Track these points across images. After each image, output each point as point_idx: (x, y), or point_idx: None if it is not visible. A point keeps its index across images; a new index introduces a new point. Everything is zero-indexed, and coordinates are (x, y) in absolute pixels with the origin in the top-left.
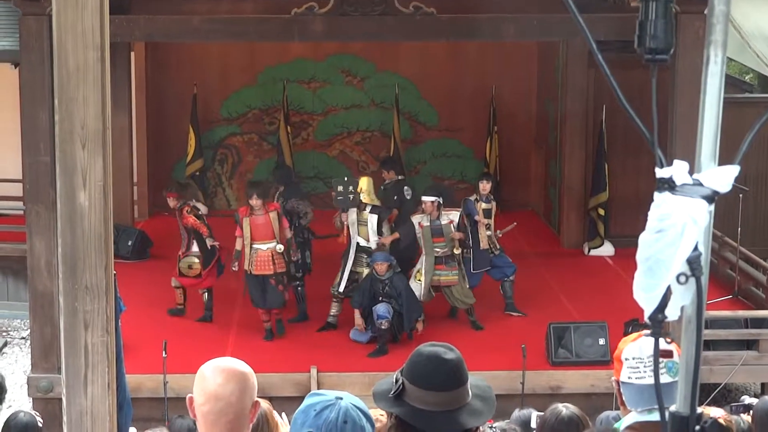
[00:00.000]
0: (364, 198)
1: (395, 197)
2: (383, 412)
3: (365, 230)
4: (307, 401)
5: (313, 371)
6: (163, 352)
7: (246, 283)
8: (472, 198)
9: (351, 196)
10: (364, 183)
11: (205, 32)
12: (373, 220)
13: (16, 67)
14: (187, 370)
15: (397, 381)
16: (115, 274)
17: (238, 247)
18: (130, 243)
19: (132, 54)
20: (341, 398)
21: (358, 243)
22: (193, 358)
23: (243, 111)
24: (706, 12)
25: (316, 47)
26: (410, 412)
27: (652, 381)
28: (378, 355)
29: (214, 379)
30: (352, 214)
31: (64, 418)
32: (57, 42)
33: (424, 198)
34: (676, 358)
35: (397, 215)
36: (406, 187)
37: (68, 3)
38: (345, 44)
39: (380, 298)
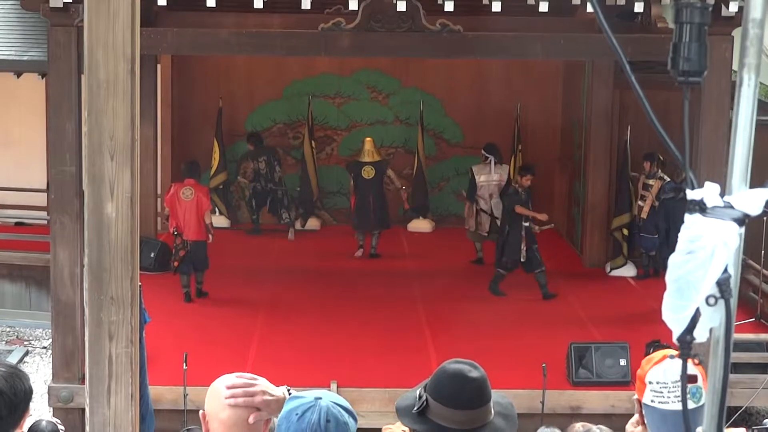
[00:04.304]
0: (367, 156)
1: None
2: (405, 428)
3: None
4: (287, 406)
5: (333, 386)
6: (184, 364)
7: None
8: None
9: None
10: (369, 144)
11: (232, 46)
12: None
13: (43, 78)
14: (208, 382)
15: (420, 397)
16: (140, 286)
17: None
18: (152, 255)
19: (158, 67)
20: (320, 398)
21: None
22: (213, 371)
23: (268, 125)
24: (733, 34)
25: (342, 62)
26: (434, 429)
27: (675, 407)
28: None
29: (228, 392)
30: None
31: (87, 428)
32: (88, 53)
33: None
34: (700, 382)
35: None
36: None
37: (100, 15)
38: (371, 60)
39: None
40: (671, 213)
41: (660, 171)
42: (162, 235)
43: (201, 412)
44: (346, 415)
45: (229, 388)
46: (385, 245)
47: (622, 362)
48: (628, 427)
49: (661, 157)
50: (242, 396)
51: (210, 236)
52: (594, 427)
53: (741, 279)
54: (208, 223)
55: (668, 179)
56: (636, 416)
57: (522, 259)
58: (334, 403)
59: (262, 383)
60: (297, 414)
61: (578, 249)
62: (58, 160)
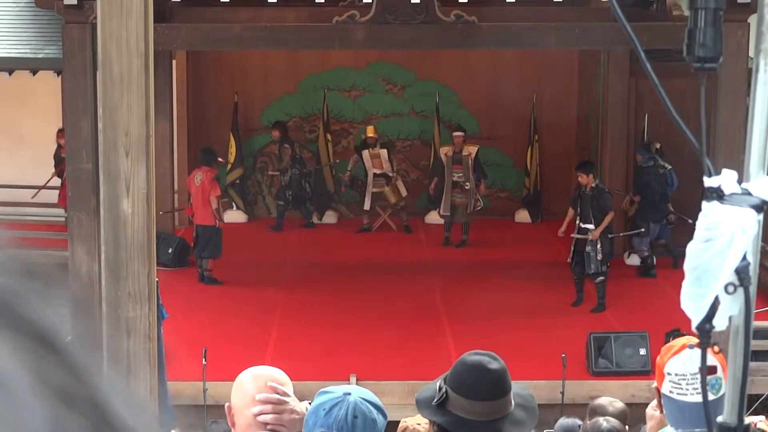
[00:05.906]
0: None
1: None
2: (422, 420)
3: (379, 161)
4: (316, 401)
5: (353, 379)
6: (203, 359)
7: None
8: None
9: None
10: (371, 131)
11: (247, 40)
12: (384, 153)
13: (58, 75)
14: (227, 377)
15: (440, 389)
16: (157, 281)
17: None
18: (170, 250)
19: (173, 62)
20: (349, 394)
21: (375, 172)
22: (232, 366)
23: (283, 119)
24: (749, 21)
25: (356, 55)
26: (453, 421)
27: (694, 399)
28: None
29: (254, 386)
30: (365, 153)
31: None
32: (101, 49)
33: (454, 133)
34: (719, 374)
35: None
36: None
37: (113, 11)
38: (386, 52)
39: None
40: (647, 182)
41: (660, 160)
42: (180, 230)
43: (227, 405)
44: (374, 411)
45: (261, 402)
46: (403, 237)
47: (642, 351)
48: (648, 410)
49: (659, 145)
50: (272, 412)
51: (217, 222)
52: (609, 415)
53: (760, 266)
54: (214, 208)
55: (669, 167)
56: (655, 401)
57: (568, 260)
58: (363, 399)
59: (291, 401)
60: (324, 409)
61: None
62: (74, 157)
